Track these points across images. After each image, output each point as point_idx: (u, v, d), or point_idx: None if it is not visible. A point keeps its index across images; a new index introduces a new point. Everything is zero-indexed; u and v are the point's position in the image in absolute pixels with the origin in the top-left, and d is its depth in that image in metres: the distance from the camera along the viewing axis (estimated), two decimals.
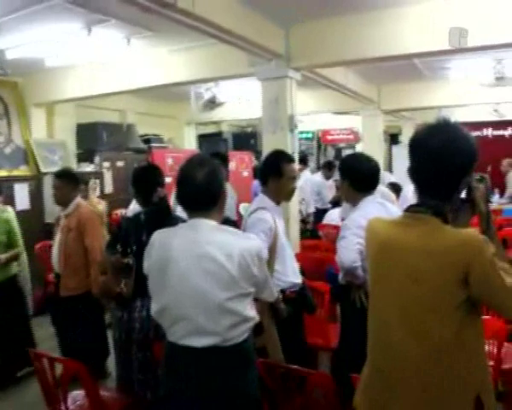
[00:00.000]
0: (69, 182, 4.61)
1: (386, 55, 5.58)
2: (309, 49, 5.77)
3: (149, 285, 2.31)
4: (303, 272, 5.00)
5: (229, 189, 6.03)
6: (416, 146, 1.86)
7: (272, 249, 3.31)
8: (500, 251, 1.89)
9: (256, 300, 2.42)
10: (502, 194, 10.94)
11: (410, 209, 1.87)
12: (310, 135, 14.78)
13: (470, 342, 1.77)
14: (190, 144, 12.29)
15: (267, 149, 5.73)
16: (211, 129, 13.66)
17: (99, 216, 5.70)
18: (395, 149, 13.05)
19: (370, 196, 3.40)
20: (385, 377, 1.86)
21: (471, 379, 1.77)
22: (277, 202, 3.54)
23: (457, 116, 12.56)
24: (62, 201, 4.61)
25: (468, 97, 9.48)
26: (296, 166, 5.93)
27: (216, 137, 12.83)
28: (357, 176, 3.39)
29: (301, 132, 14.14)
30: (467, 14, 5.07)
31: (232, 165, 10.14)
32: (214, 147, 10.96)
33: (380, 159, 9.86)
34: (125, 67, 6.95)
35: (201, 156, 2.54)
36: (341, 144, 14.82)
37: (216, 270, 2.13)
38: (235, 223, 4.37)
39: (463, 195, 1.86)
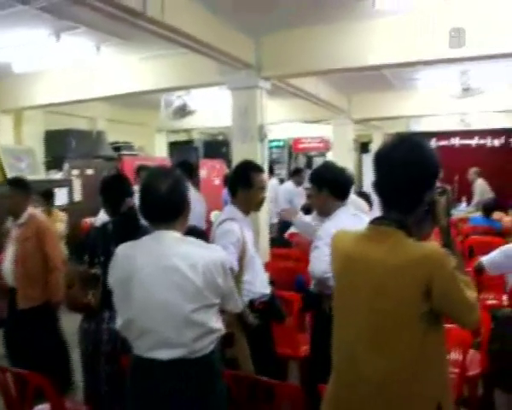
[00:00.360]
0: (22, 191, 4.44)
1: (355, 66, 5.67)
2: (279, 60, 5.81)
3: (114, 299, 2.29)
4: (273, 281, 5.01)
5: (198, 197, 6.03)
6: (381, 159, 1.88)
7: (241, 260, 3.32)
8: (461, 264, 1.92)
9: (223, 312, 2.42)
10: (469, 202, 11.13)
11: (374, 222, 1.89)
12: (281, 143, 14.85)
13: (433, 352, 1.79)
14: (161, 152, 12.24)
15: (237, 158, 5.74)
16: (182, 137, 13.62)
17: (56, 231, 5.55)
18: (365, 157, 13.20)
19: (344, 206, 3.43)
20: (350, 390, 1.87)
21: (433, 388, 1.79)
22: (246, 213, 3.53)
23: (426, 126, 12.84)
24: (15, 210, 4.43)
25: (435, 107, 9.65)
26: (266, 176, 5.97)
27: (187, 145, 12.81)
28: (337, 184, 3.42)
29: (272, 141, 14.20)
30: (433, 28, 5.18)
31: (203, 173, 10.14)
32: (185, 155, 10.94)
33: (350, 167, 9.97)
34: (95, 74, 6.90)
35: (164, 168, 2.54)
36: (312, 153, 14.92)
37: (181, 281, 2.12)
38: (203, 232, 4.35)
39: (425, 208, 1.88)
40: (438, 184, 1.98)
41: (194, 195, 5.86)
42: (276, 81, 6.34)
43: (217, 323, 2.26)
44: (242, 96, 5.98)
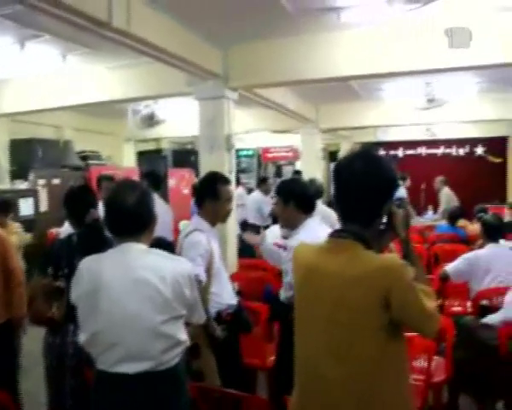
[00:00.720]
0: None
1: (321, 78, 5.75)
2: (246, 70, 5.85)
3: (78, 313, 2.26)
4: (240, 291, 5.01)
5: (166, 208, 6.00)
6: (339, 173, 1.90)
7: (208, 272, 3.32)
8: (421, 274, 1.95)
9: (189, 324, 2.41)
10: (435, 210, 11.28)
11: (332, 235, 1.91)
12: (250, 152, 14.88)
13: (394, 361, 1.81)
14: (129, 162, 12.15)
15: (204, 168, 5.75)
16: (151, 146, 13.53)
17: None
18: (333, 166, 13.29)
19: (310, 218, 3.45)
20: (312, 400, 1.88)
21: (395, 397, 1.81)
22: (213, 224, 3.53)
23: (393, 135, 13.03)
24: None
25: (401, 117, 9.82)
26: (233, 186, 5.97)
27: (155, 154, 12.74)
28: (304, 198, 3.44)
29: (242, 150, 14.23)
30: (397, 41, 5.29)
31: (172, 182, 10.09)
32: (153, 164, 10.86)
33: (318, 176, 10.05)
34: (62, 82, 6.82)
35: (131, 181, 2.54)
36: (282, 162, 14.99)
37: (151, 293, 2.12)
38: (170, 244, 4.33)
39: (384, 220, 1.90)
40: (396, 196, 2.02)
41: (161, 206, 5.86)
42: (244, 91, 6.35)
43: (183, 335, 2.26)
44: (209, 107, 5.99)
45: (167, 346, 2.17)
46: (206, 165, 5.79)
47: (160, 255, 2.25)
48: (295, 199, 3.41)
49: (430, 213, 11.64)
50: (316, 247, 1.96)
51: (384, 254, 1.82)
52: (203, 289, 3.23)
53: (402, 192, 10.83)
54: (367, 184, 1.81)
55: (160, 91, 6.53)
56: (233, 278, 5.26)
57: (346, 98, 9.23)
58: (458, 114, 9.84)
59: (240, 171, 15.03)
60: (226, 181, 3.59)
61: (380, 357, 1.75)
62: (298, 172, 10.91)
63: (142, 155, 12.60)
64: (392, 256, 1.82)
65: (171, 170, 10.82)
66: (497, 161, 13.32)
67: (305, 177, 9.17)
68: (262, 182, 9.55)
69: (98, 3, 3.84)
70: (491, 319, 3.99)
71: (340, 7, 4.58)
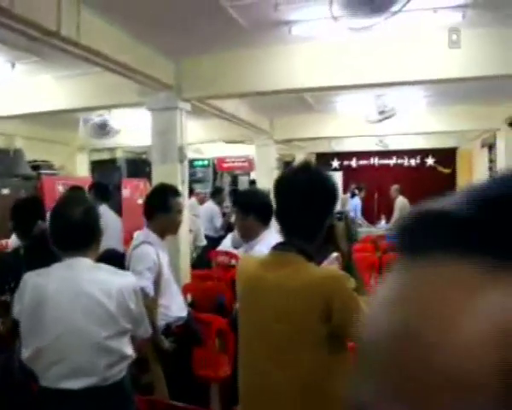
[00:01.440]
0: None
1: (274, 90, 5.80)
2: (200, 82, 5.85)
3: (21, 329, 2.23)
4: (193, 303, 5.00)
5: (115, 218, 5.95)
6: (282, 187, 1.93)
7: (157, 284, 3.31)
8: (361, 287, 2.00)
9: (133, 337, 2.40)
10: (388, 220, 11.48)
11: (275, 248, 1.94)
12: (206, 162, 14.86)
13: (338, 374, 1.84)
14: (83, 171, 11.95)
15: (157, 179, 5.72)
16: (106, 156, 13.35)
17: None
18: (275, 180, 13.36)
19: (268, 230, 3.45)
20: (254, 406, 1.91)
21: (339, 407, 1.86)
22: (162, 236, 3.53)
23: (347, 146, 13.24)
24: None
25: (354, 129, 9.96)
26: (185, 197, 5.96)
27: (109, 164, 12.58)
28: (263, 210, 3.39)
29: (197, 160, 14.20)
30: (351, 54, 5.41)
31: (126, 192, 9.98)
32: (107, 174, 10.73)
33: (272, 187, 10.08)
34: (10, 91, 6.67)
35: (76, 194, 2.53)
36: (237, 172, 15.02)
37: (96, 309, 2.11)
38: (122, 255, 4.30)
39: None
40: (337, 209, 2.07)
41: (110, 217, 5.82)
42: (197, 102, 6.35)
43: (129, 349, 2.25)
44: (162, 118, 5.97)
45: (112, 361, 2.16)
46: (159, 176, 5.76)
47: (105, 270, 2.24)
48: (255, 210, 3.38)
49: (383, 222, 11.86)
50: (259, 259, 1.99)
51: (325, 267, 1.86)
52: (151, 302, 3.22)
53: (357, 202, 11.05)
54: (309, 198, 1.85)
55: (111, 101, 6.47)
56: (186, 288, 5.25)
57: (300, 110, 9.32)
58: (408, 127, 10.08)
59: (195, 181, 14.99)
60: (176, 193, 3.59)
61: (322, 370, 1.77)
62: (253, 182, 10.94)
63: (96, 165, 12.42)
64: (333, 268, 1.86)
65: (125, 180, 10.70)
66: (447, 171, 13.70)
67: (260, 187, 9.22)
68: (215, 193, 9.52)
69: (47, 13, 3.79)
70: None
71: (291, 21, 4.65)
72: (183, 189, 5.88)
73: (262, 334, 1.86)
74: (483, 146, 11.65)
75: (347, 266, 1.98)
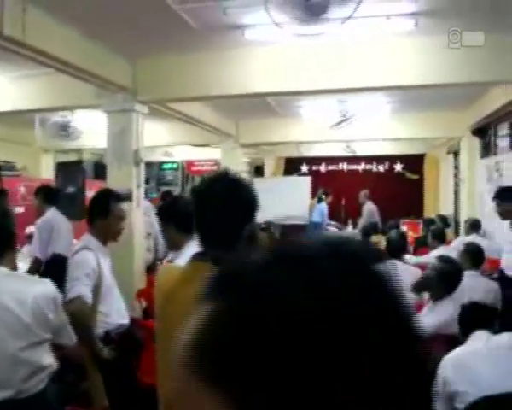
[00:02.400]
0: None
1: (231, 94, 5.77)
2: (156, 84, 5.79)
3: None
4: (147, 309, 4.91)
5: (63, 222, 5.84)
6: (198, 197, 1.88)
7: (96, 291, 3.24)
8: None
9: (58, 347, 2.33)
10: (355, 225, 11.52)
11: (194, 258, 1.89)
12: (175, 165, 14.78)
13: None
14: (49, 173, 11.78)
15: (112, 182, 5.64)
16: (72, 157, 13.17)
17: None
18: (257, 181, 13.37)
19: (192, 241, 3.38)
20: None
21: None
22: (103, 242, 3.45)
23: (315, 151, 13.28)
24: None
25: (320, 134, 9.99)
26: (141, 201, 5.87)
27: (74, 165, 12.38)
28: (182, 218, 3.21)
29: (166, 163, 14.12)
30: (308, 59, 5.39)
31: (91, 194, 9.81)
32: (71, 175, 10.57)
33: None
34: None
35: None
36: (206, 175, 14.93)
37: (8, 319, 2.04)
38: (66, 260, 4.20)
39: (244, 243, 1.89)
40: (262, 221, 2.03)
41: (61, 220, 5.72)
42: (157, 105, 6.28)
43: (47, 359, 2.18)
44: (118, 120, 5.88)
45: (29, 373, 2.09)
46: (114, 179, 5.69)
47: (21, 278, 2.18)
48: (174, 219, 3.25)
49: (350, 227, 11.91)
50: (178, 270, 1.93)
51: None
52: (89, 309, 3.15)
53: (323, 207, 11.08)
54: (225, 206, 1.80)
55: (68, 103, 6.37)
56: (139, 294, 5.17)
57: (266, 115, 9.33)
58: (373, 133, 10.16)
59: (165, 183, 14.90)
60: (118, 198, 3.52)
61: None
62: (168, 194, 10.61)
63: (61, 167, 12.21)
64: None
65: (89, 181, 10.56)
66: (415, 177, 13.82)
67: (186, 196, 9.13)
68: (165, 196, 9.36)
69: None
70: None
71: (243, 25, 4.61)
72: (139, 193, 5.80)
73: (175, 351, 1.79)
74: (449, 153, 11.78)
75: None
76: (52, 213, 5.58)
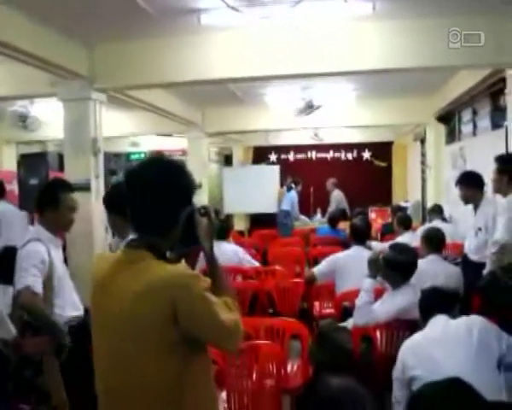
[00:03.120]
0: None
1: (190, 80, 5.65)
2: (113, 71, 5.63)
3: None
4: None
5: (17, 213, 5.70)
6: (131, 182, 1.79)
7: (49, 282, 3.14)
8: (225, 285, 1.89)
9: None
10: (324, 213, 11.52)
11: (127, 244, 1.80)
12: (142, 155, 14.58)
13: (196, 378, 1.73)
14: (11, 164, 11.48)
15: (69, 173, 5.50)
16: (36, 148, 12.87)
17: None
18: (226, 170, 13.30)
19: None
20: None
21: None
22: (54, 233, 3.34)
23: (283, 139, 13.25)
24: None
25: (286, 122, 9.94)
26: (101, 191, 5.71)
27: (38, 157, 12.10)
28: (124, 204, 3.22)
29: (133, 153, 13.92)
30: (273, 44, 5.32)
31: None
32: (34, 167, 10.32)
33: (205, 180, 9.99)
34: None
35: None
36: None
37: None
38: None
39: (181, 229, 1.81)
40: (201, 204, 1.95)
41: (13, 211, 5.57)
42: (114, 93, 6.11)
43: None
44: (75, 108, 5.71)
45: None
46: (72, 169, 5.53)
47: None
48: (116, 207, 3.16)
49: (319, 215, 11.94)
50: (112, 257, 1.85)
51: (172, 265, 1.73)
52: (40, 299, 3.04)
53: (293, 196, 11.05)
54: (159, 192, 1.73)
55: (20, 91, 6.17)
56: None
57: (231, 103, 9.23)
58: (340, 120, 10.15)
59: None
60: (69, 189, 3.41)
61: (176, 379, 1.66)
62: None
63: (24, 158, 11.91)
64: (180, 267, 1.75)
65: (53, 173, 10.32)
66: (383, 165, 13.89)
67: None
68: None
69: None
70: (348, 323, 4.07)
71: (199, 9, 4.50)
72: (98, 183, 5.66)
73: (110, 344, 1.72)
74: (415, 140, 11.86)
75: (209, 264, 1.88)
76: (2, 206, 5.43)
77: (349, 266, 4.71)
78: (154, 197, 1.73)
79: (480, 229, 4.77)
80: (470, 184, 4.92)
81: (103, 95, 5.86)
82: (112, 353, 1.72)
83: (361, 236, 5.10)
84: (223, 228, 5.89)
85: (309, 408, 1.46)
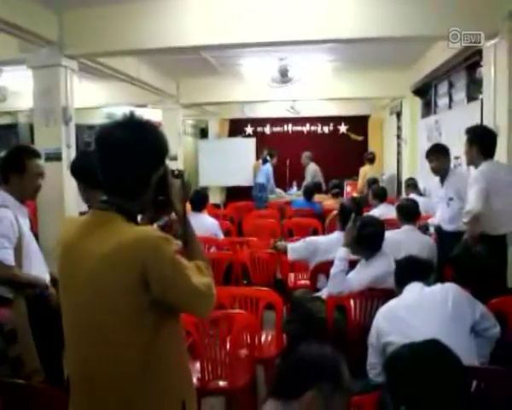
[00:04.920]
0: None
1: (164, 47, 5.52)
2: (85, 37, 5.46)
3: None
4: None
5: None
6: (100, 142, 1.72)
7: (18, 251, 3.05)
8: (197, 249, 1.85)
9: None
10: (300, 186, 11.51)
11: (96, 206, 1.74)
12: None
13: (168, 347, 1.69)
14: None
15: (39, 143, 5.38)
16: (7, 120, 12.57)
17: None
18: (201, 143, 13.17)
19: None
20: (81, 394, 1.72)
21: (174, 386, 1.71)
22: (21, 201, 3.24)
23: (260, 112, 13.15)
24: None
25: (261, 94, 9.84)
26: (64, 164, 5.55)
27: (8, 128, 11.84)
28: (92, 172, 3.04)
29: None
30: (249, 11, 5.22)
31: None
32: (5, 139, 10.10)
33: (180, 152, 9.88)
34: None
35: None
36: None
37: None
38: None
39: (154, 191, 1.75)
40: (175, 167, 1.90)
41: None
42: (89, 61, 5.94)
43: None
44: (44, 76, 5.53)
45: None
46: (42, 139, 5.41)
47: None
48: (83, 175, 2.88)
49: (295, 188, 11.94)
50: (80, 220, 1.78)
51: (141, 227, 1.68)
52: (12, 268, 2.96)
53: (268, 168, 11.00)
54: (129, 153, 1.66)
55: None
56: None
57: (206, 73, 9.09)
58: (317, 93, 10.06)
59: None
60: (35, 154, 3.30)
61: (149, 344, 1.62)
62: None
63: None
64: (150, 228, 1.69)
65: (32, 147, 10.09)
66: (359, 138, 13.89)
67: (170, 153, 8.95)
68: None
69: None
70: (322, 293, 4.07)
71: None
72: (69, 153, 5.53)
73: (79, 312, 1.67)
74: (391, 113, 11.88)
75: (182, 227, 1.83)
76: None
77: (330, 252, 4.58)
78: (123, 158, 1.67)
79: (451, 199, 4.81)
80: (438, 156, 4.95)
81: (74, 62, 5.68)
82: (80, 319, 1.67)
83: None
84: (202, 199, 5.87)
85: (287, 377, 1.43)
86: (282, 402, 1.39)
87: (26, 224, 3.23)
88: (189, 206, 6.56)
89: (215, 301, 1.74)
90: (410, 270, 3.06)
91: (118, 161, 1.67)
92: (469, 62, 6.62)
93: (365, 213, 5.80)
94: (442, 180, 4.94)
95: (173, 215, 1.87)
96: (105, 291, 1.59)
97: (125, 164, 1.67)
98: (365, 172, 10.20)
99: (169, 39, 5.44)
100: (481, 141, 4.33)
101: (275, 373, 1.47)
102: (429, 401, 1.47)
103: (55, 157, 5.35)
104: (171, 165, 1.86)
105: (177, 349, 1.76)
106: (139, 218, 1.78)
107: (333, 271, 3.79)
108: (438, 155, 4.96)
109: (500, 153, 4.33)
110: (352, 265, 3.96)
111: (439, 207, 5.16)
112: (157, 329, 1.63)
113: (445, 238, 4.78)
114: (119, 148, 1.67)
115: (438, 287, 2.89)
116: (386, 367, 1.70)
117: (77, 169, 2.93)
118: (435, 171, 5.00)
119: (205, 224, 5.57)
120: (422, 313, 2.69)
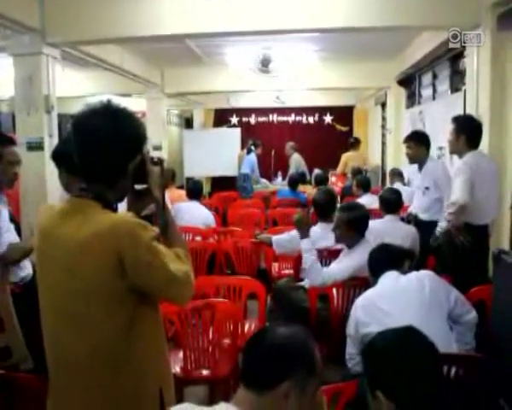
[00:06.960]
0: None
1: (147, 36, 5.49)
2: (67, 25, 5.39)
3: None
4: None
5: None
6: (78, 130, 1.71)
7: None
8: (177, 236, 1.85)
9: None
10: (284, 176, 11.51)
11: (73, 194, 1.74)
12: None
13: (146, 334, 1.69)
14: None
15: (21, 131, 5.32)
16: None
17: None
18: (186, 133, 13.12)
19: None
20: (57, 379, 1.72)
21: (151, 373, 1.71)
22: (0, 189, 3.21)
23: (245, 102, 13.12)
24: None
25: (248, 84, 9.82)
26: (46, 153, 5.49)
27: None
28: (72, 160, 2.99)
29: None
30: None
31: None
32: None
33: (165, 142, 9.83)
34: None
35: None
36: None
37: None
38: None
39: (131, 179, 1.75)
40: (154, 154, 1.89)
41: None
42: (67, 49, 5.86)
43: None
44: (26, 64, 5.45)
45: None
46: (24, 128, 5.35)
47: None
48: (64, 162, 2.77)
49: (280, 178, 11.93)
50: (57, 208, 1.77)
51: (118, 214, 1.68)
52: None
53: (253, 158, 10.99)
54: (104, 141, 1.65)
55: None
56: None
57: (191, 63, 9.04)
58: (302, 83, 10.04)
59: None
60: (9, 142, 3.25)
61: (125, 331, 1.62)
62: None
63: None
64: (126, 214, 1.68)
65: (10, 134, 9.97)
66: (344, 129, 13.93)
67: (153, 142, 8.92)
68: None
69: None
70: (306, 282, 4.07)
71: None
72: (52, 142, 5.47)
73: (56, 298, 1.67)
74: (376, 104, 11.90)
75: (160, 214, 1.82)
76: None
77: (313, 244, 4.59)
78: (98, 145, 1.66)
79: (427, 188, 4.81)
80: (416, 142, 4.97)
81: (56, 50, 5.61)
82: (56, 305, 1.67)
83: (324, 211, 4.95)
84: (199, 189, 6.16)
85: (258, 367, 1.42)
86: (254, 393, 1.39)
87: (5, 215, 3.19)
88: (182, 192, 6.64)
89: (194, 289, 1.75)
90: (383, 259, 3.05)
91: (93, 148, 1.66)
92: (453, 53, 6.64)
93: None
94: (420, 168, 4.96)
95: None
96: (81, 277, 1.59)
97: (101, 151, 1.66)
98: (347, 157, 10.11)
99: (152, 27, 5.41)
100: (469, 131, 4.30)
101: (243, 360, 1.46)
102: (404, 386, 1.48)
103: (37, 146, 5.30)
104: (155, 154, 1.86)
105: (155, 337, 1.76)
106: (122, 208, 1.78)
107: (305, 264, 3.78)
108: (415, 142, 4.96)
109: (482, 143, 4.34)
110: (332, 255, 3.98)
111: (415, 196, 5.18)
112: (134, 315, 1.63)
113: (419, 227, 4.76)
114: (94, 135, 1.66)
115: (413, 275, 2.89)
116: (363, 354, 1.71)
117: (58, 155, 2.89)
118: (410, 158, 5.01)
119: (202, 213, 5.80)
120: (399, 302, 2.69)
